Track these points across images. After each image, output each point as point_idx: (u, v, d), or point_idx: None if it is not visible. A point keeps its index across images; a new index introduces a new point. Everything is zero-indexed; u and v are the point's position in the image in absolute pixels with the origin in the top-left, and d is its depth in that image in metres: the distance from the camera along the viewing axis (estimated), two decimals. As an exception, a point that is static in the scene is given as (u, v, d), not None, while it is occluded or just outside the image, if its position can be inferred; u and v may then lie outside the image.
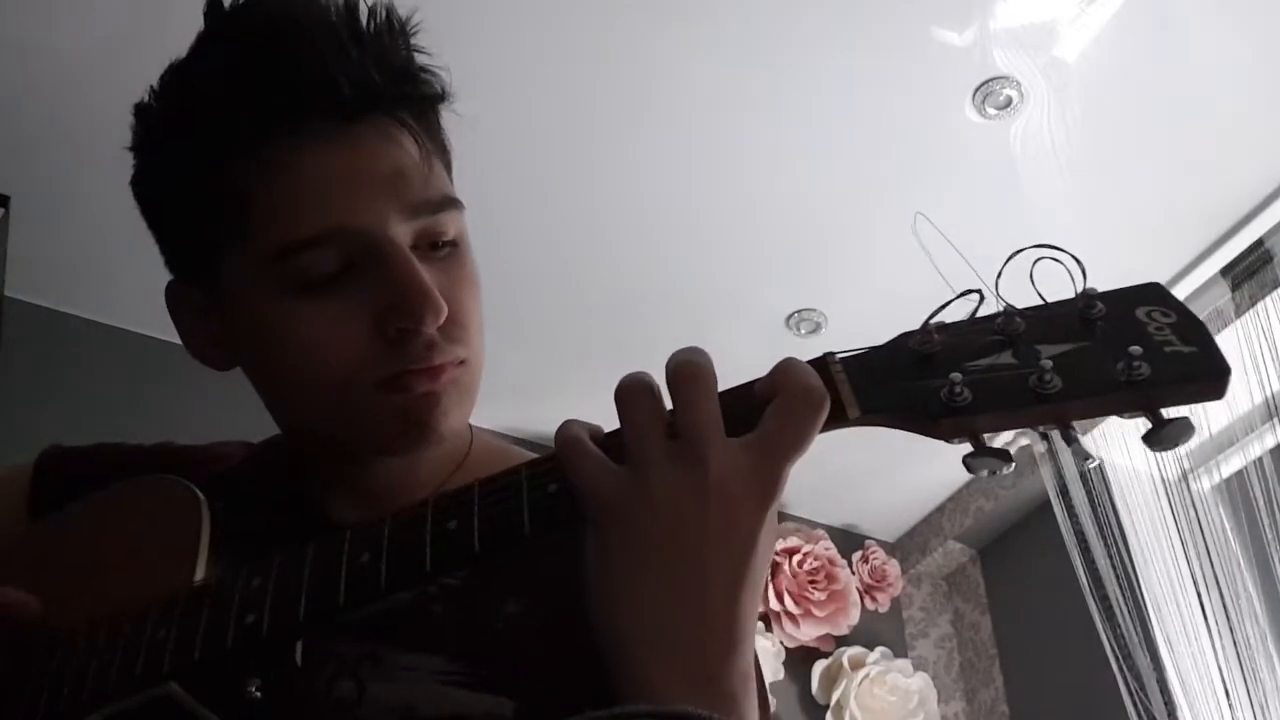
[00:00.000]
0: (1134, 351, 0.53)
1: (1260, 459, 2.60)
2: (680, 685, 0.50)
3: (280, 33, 0.64)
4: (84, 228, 2.44)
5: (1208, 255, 2.60)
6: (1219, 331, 2.62)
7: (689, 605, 0.52)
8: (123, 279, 2.55)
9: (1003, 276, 0.57)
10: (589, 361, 2.87)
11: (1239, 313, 2.57)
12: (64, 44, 2.08)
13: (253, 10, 0.67)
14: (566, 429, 0.57)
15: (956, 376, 0.54)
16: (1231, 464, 2.71)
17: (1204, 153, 2.37)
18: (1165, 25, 2.12)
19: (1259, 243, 2.53)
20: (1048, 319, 0.56)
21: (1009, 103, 2.26)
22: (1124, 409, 0.54)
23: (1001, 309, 0.56)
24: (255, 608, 0.58)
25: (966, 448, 0.55)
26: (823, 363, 0.56)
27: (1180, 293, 2.66)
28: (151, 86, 0.70)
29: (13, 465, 0.84)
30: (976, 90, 2.24)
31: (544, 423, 3.08)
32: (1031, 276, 0.56)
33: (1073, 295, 0.57)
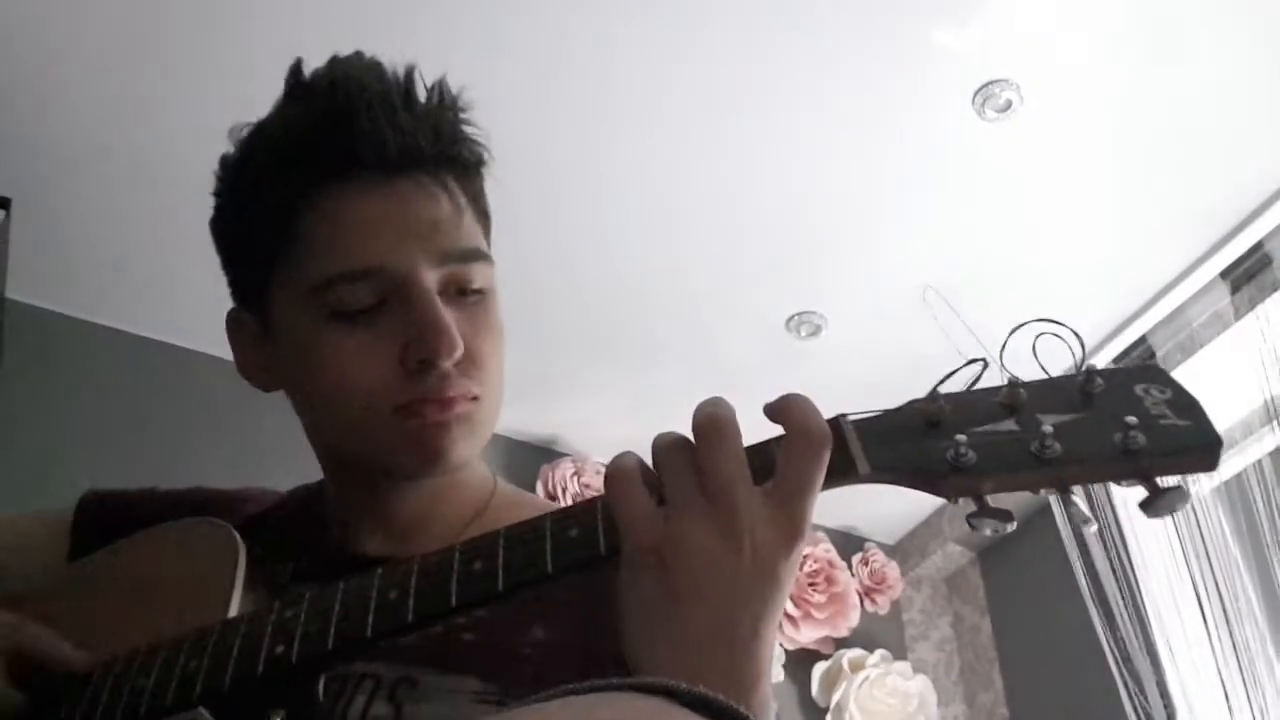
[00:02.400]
0: (1130, 421, 0.57)
1: (1260, 462, 2.59)
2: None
3: (343, 97, 0.74)
4: (84, 230, 2.44)
5: (1207, 258, 2.60)
6: (1218, 334, 2.62)
7: (723, 641, 0.55)
8: (123, 281, 2.56)
9: (998, 337, 0.61)
10: (589, 364, 2.87)
11: (1238, 316, 2.57)
12: (64, 46, 2.08)
13: (324, 77, 0.76)
14: (620, 458, 0.60)
15: (961, 438, 0.57)
16: (1231, 467, 2.70)
17: (1203, 155, 2.37)
18: (1165, 27, 2.12)
19: (1258, 245, 2.53)
20: (1049, 391, 0.60)
21: (1008, 105, 2.26)
22: (1121, 476, 0.58)
23: (1006, 380, 0.60)
24: (286, 639, 0.62)
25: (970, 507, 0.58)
26: (836, 422, 0.59)
27: (1180, 295, 2.67)
28: (238, 141, 0.80)
29: (53, 509, 0.90)
30: (976, 93, 2.24)
31: (545, 425, 3.08)
32: (1035, 351, 0.61)
33: (1073, 370, 0.60)
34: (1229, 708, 2.51)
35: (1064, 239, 2.53)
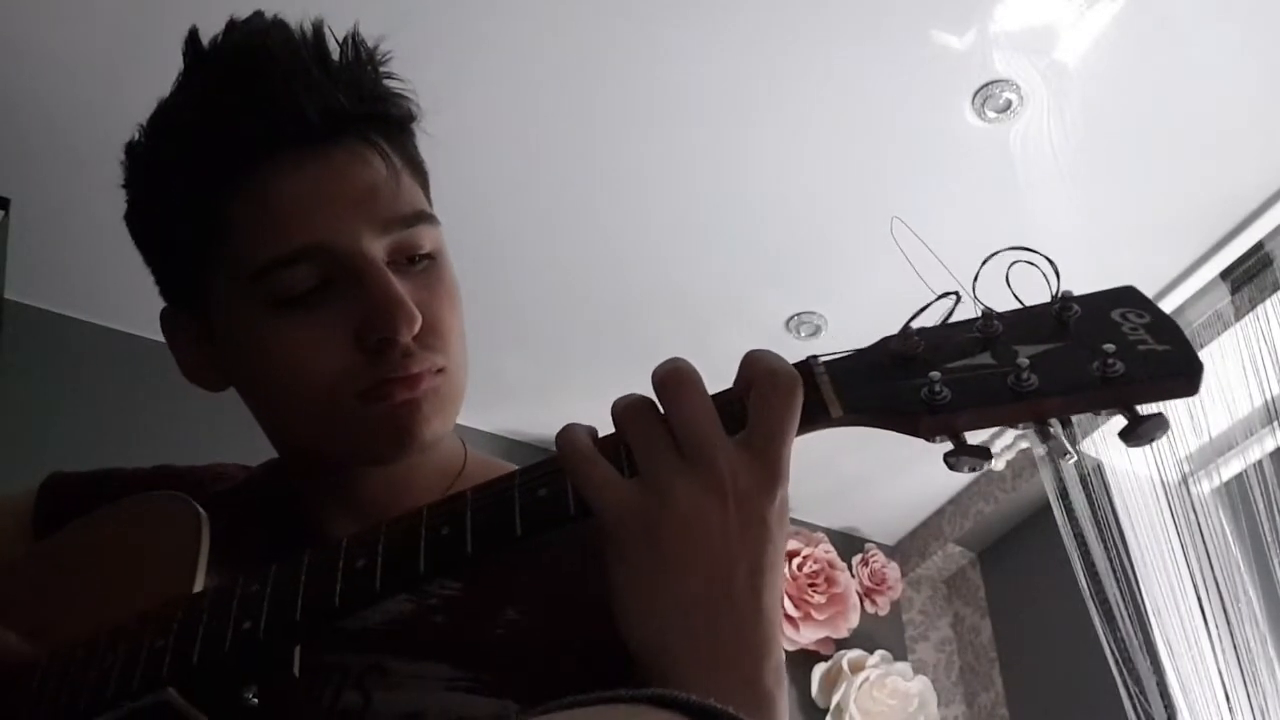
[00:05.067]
0: (1108, 349, 0.55)
1: (1260, 462, 2.59)
2: (727, 692, 0.50)
3: (251, 66, 0.68)
4: (83, 230, 2.44)
5: (1208, 258, 2.60)
6: (1219, 334, 2.62)
7: (723, 600, 0.53)
8: (122, 282, 2.55)
9: (983, 278, 0.59)
10: (590, 364, 2.87)
11: (1239, 316, 2.57)
12: (64, 47, 2.08)
13: (226, 47, 0.70)
14: (568, 434, 0.58)
15: (935, 375, 0.55)
16: (1231, 467, 2.70)
17: (1204, 155, 2.37)
18: (1165, 28, 2.12)
19: (1259, 246, 2.53)
20: (1025, 321, 0.58)
21: (1009, 106, 2.26)
22: (1100, 405, 0.56)
23: (980, 312, 0.58)
24: (253, 613, 0.59)
25: (947, 447, 0.56)
26: (806, 365, 0.58)
27: (1180, 296, 2.66)
28: (140, 124, 0.74)
29: (16, 492, 0.86)
30: (976, 93, 2.24)
31: (545, 426, 3.08)
32: (1008, 279, 0.58)
33: (1050, 298, 0.58)
34: (1229, 708, 2.50)
35: (1063, 239, 2.53)
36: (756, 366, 0.56)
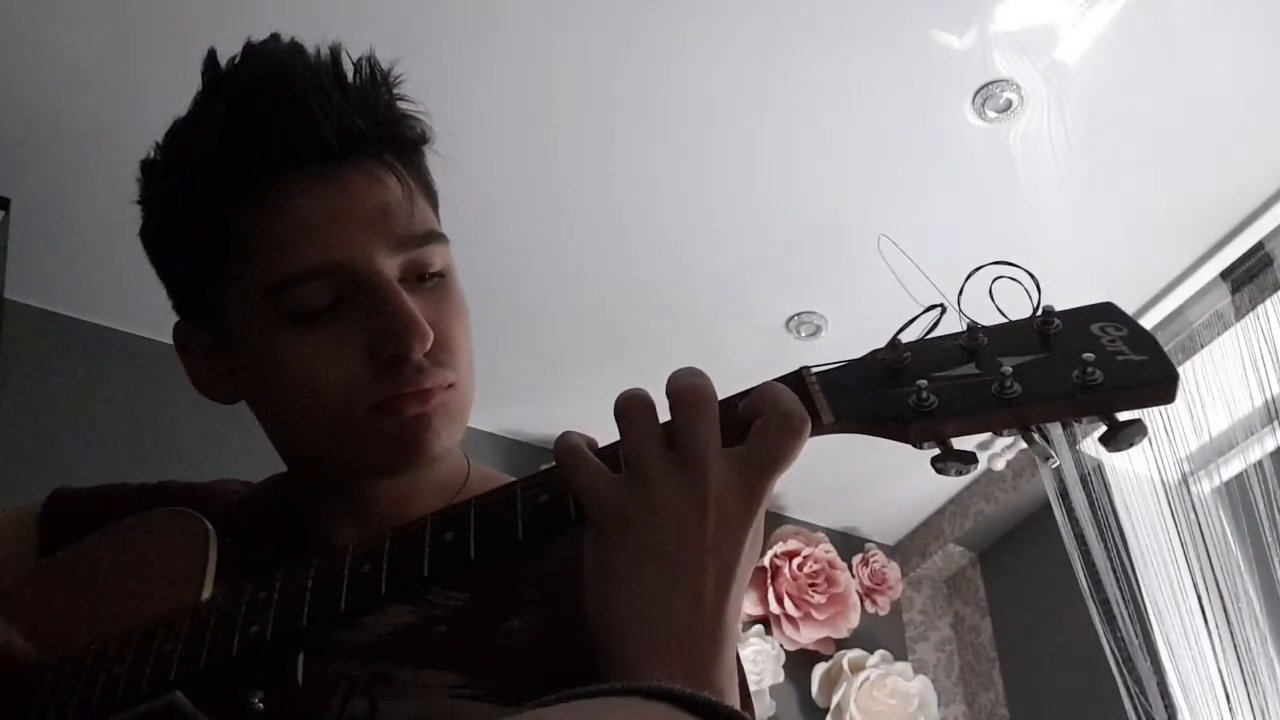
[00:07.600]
0: (1087, 359, 0.57)
1: (1260, 462, 2.60)
2: (671, 680, 0.51)
3: (270, 86, 0.69)
4: (84, 230, 2.44)
5: (1208, 258, 2.61)
6: (1219, 334, 2.62)
7: (683, 606, 0.54)
8: (123, 282, 2.56)
9: (969, 289, 0.61)
10: (590, 364, 2.87)
11: (1239, 316, 2.57)
12: (66, 46, 2.08)
13: (245, 67, 0.72)
14: (565, 439, 0.60)
15: (923, 384, 0.58)
16: (1232, 467, 2.71)
17: (1204, 155, 2.37)
18: (1165, 28, 2.12)
19: (1259, 246, 2.53)
20: (1008, 334, 0.61)
21: (1009, 106, 2.26)
22: (1080, 413, 0.58)
23: (965, 326, 0.61)
24: (260, 618, 0.60)
25: (935, 452, 0.59)
26: (798, 375, 0.60)
27: (1180, 296, 2.67)
28: (156, 143, 0.75)
29: (20, 506, 0.87)
30: (976, 93, 2.24)
31: (546, 425, 3.08)
32: (991, 293, 0.61)
33: (1031, 313, 0.61)
34: (1229, 708, 2.51)
35: (1064, 239, 2.53)
36: (774, 404, 0.57)
